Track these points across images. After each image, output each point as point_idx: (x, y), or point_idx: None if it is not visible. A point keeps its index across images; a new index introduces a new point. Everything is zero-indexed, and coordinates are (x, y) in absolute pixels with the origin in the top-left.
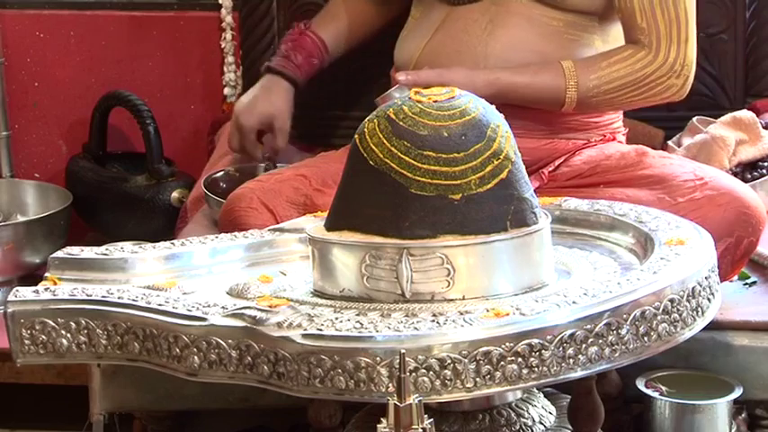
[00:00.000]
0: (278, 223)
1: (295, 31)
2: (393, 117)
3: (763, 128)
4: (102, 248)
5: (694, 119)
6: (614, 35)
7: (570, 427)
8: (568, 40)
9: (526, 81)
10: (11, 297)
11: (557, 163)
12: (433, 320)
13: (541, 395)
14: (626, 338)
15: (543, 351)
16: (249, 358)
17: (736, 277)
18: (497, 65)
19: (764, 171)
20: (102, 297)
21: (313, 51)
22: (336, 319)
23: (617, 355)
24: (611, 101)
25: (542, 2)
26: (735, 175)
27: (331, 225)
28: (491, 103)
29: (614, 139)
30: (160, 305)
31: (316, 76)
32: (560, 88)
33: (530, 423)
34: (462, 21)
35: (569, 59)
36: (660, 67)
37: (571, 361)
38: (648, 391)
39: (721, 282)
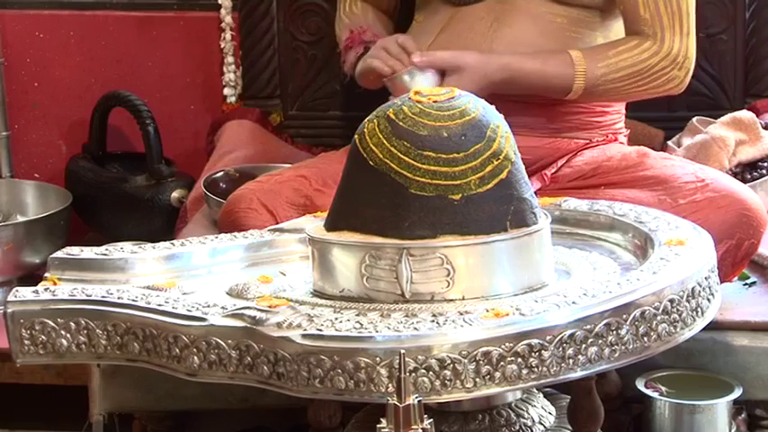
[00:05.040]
0: (277, 224)
1: (351, 37)
2: (393, 117)
3: (763, 128)
4: (102, 249)
5: (694, 119)
6: (616, 32)
7: (570, 427)
8: (571, 38)
9: (536, 67)
10: (10, 297)
11: (559, 164)
12: (433, 321)
13: (541, 395)
14: (626, 339)
15: (543, 351)
16: (249, 358)
17: (735, 277)
18: None
19: (764, 171)
20: (102, 297)
21: (373, 33)
22: (336, 319)
23: (617, 355)
24: (615, 90)
25: None
26: (734, 175)
27: (331, 225)
28: (501, 89)
29: (616, 140)
30: (160, 305)
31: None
32: (569, 76)
33: (529, 423)
34: (468, 20)
35: (575, 50)
36: (665, 57)
37: (571, 361)
38: (648, 392)
39: (721, 283)
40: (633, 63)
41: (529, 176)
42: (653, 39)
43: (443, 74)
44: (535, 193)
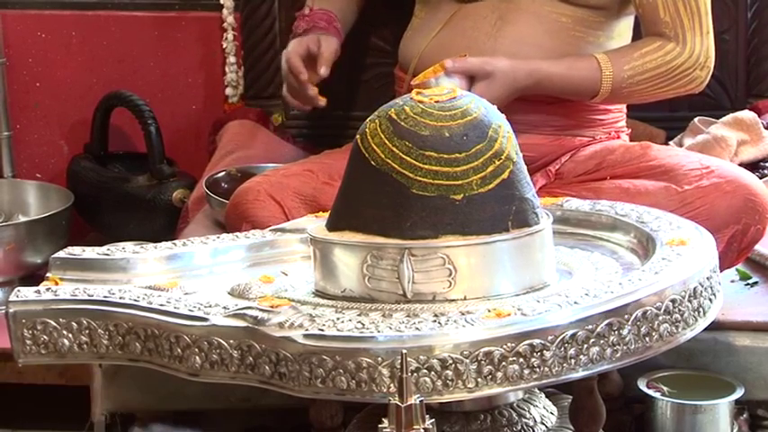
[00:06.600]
0: (285, 214)
1: (299, 15)
2: (395, 117)
3: (765, 128)
4: (104, 249)
5: (696, 119)
6: (619, 32)
7: (571, 427)
8: (575, 37)
9: (563, 72)
10: (12, 297)
11: (563, 160)
12: (435, 321)
13: (543, 395)
14: (627, 339)
15: (545, 351)
16: (251, 358)
17: (737, 277)
18: None
19: (766, 171)
20: (104, 297)
21: (329, 17)
22: (338, 319)
23: (618, 355)
24: (640, 92)
25: None
26: None
27: (332, 225)
28: (527, 93)
29: (618, 137)
30: (162, 305)
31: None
32: (596, 80)
33: (531, 423)
34: (471, 17)
35: (600, 53)
36: (688, 59)
37: (572, 361)
38: (650, 392)
39: (727, 269)
40: (658, 65)
41: (533, 174)
42: (675, 40)
43: (472, 79)
44: (540, 189)
